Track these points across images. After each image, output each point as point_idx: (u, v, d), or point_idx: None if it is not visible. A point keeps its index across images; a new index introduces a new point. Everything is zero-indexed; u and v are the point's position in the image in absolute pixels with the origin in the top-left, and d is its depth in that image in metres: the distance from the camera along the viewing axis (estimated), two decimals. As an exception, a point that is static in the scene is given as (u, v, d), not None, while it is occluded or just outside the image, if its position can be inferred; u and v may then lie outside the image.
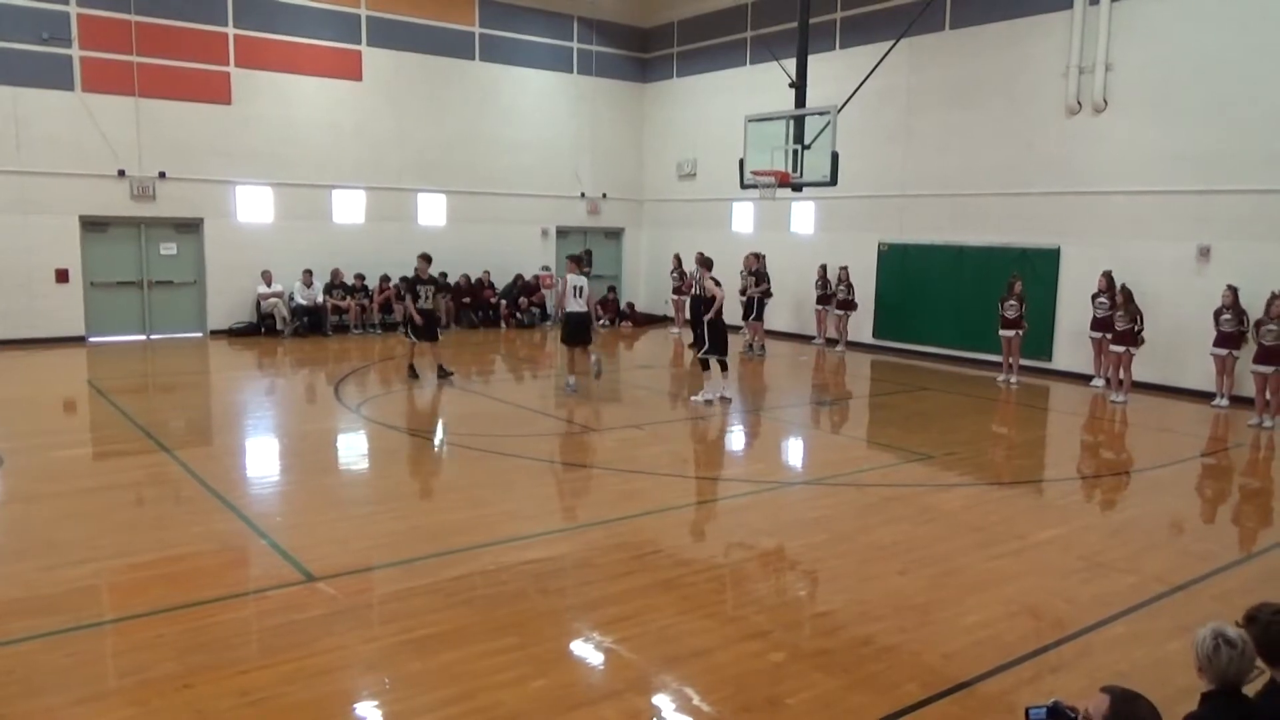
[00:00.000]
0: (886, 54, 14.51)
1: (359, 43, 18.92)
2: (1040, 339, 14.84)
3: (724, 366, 12.28)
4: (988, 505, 7.86)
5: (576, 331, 12.38)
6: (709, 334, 11.96)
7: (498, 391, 13.31)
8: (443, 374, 13.24)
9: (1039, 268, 14.98)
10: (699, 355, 12.28)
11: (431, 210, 20.20)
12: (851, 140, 14.97)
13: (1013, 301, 14.08)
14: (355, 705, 4.46)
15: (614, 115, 22.42)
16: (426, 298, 13.12)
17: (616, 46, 22.33)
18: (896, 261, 17.38)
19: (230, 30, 17.49)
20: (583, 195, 22.25)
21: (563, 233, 22.23)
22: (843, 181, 13.93)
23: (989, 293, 14.91)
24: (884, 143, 17.16)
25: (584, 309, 12.25)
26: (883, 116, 17.01)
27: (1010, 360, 14.21)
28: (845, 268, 17.42)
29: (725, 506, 7.77)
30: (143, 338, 17.35)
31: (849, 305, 17.41)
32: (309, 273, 18.25)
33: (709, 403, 11.85)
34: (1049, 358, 15.04)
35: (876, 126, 17.00)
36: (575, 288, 12.22)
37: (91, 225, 16.72)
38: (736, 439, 10.83)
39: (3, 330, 15.73)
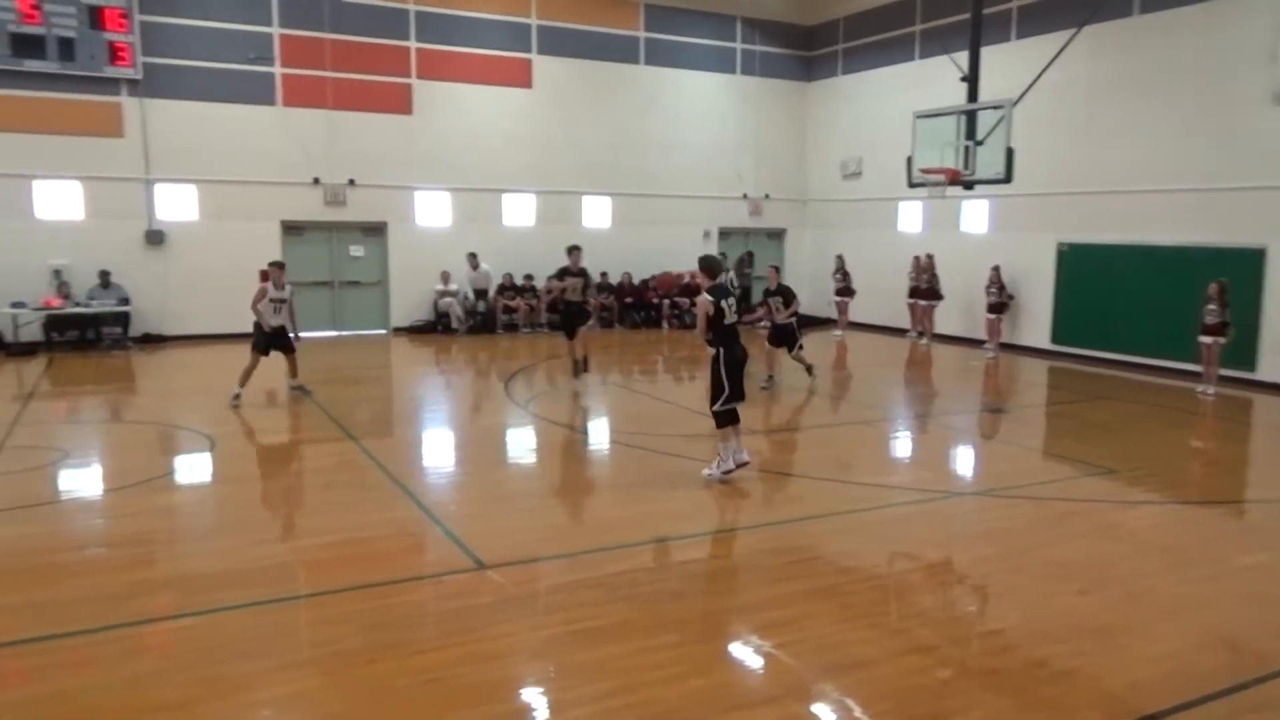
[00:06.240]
0: (1069, 42, 13.72)
1: (529, 51, 19.61)
2: (1242, 347, 13.60)
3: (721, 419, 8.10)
4: (1180, 525, 7.30)
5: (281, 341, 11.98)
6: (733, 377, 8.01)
7: (659, 391, 13.48)
8: (577, 370, 12.80)
9: (1240, 269, 13.72)
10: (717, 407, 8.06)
11: (597, 212, 20.69)
12: (1028, 134, 14.26)
13: (1212, 306, 13.00)
14: (522, 691, 4.63)
15: (777, 115, 22.25)
16: (574, 290, 12.79)
17: (780, 45, 22.14)
18: (1077, 262, 16.38)
19: (412, 44, 18.52)
20: (745, 196, 22.20)
21: (725, 234, 22.26)
22: (1018, 178, 13.31)
23: (1182, 296, 13.82)
24: (1063, 136, 16.20)
25: (284, 321, 11.90)
26: (1062, 109, 16.06)
27: (1209, 369, 13.12)
28: (997, 268, 16.69)
29: (889, 514, 7.57)
30: (333, 334, 18.65)
31: (1000, 308, 16.73)
32: (474, 256, 18.93)
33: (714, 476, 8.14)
34: (1252, 368, 13.78)
35: (1055, 119, 16.08)
36: (274, 301, 11.76)
37: (290, 229, 18.14)
38: (902, 445, 10.53)
39: (217, 325, 17.27)
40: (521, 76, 19.60)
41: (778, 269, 13.41)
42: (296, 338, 12.20)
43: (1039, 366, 16.01)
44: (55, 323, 16.15)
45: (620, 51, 20.49)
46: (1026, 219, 17.25)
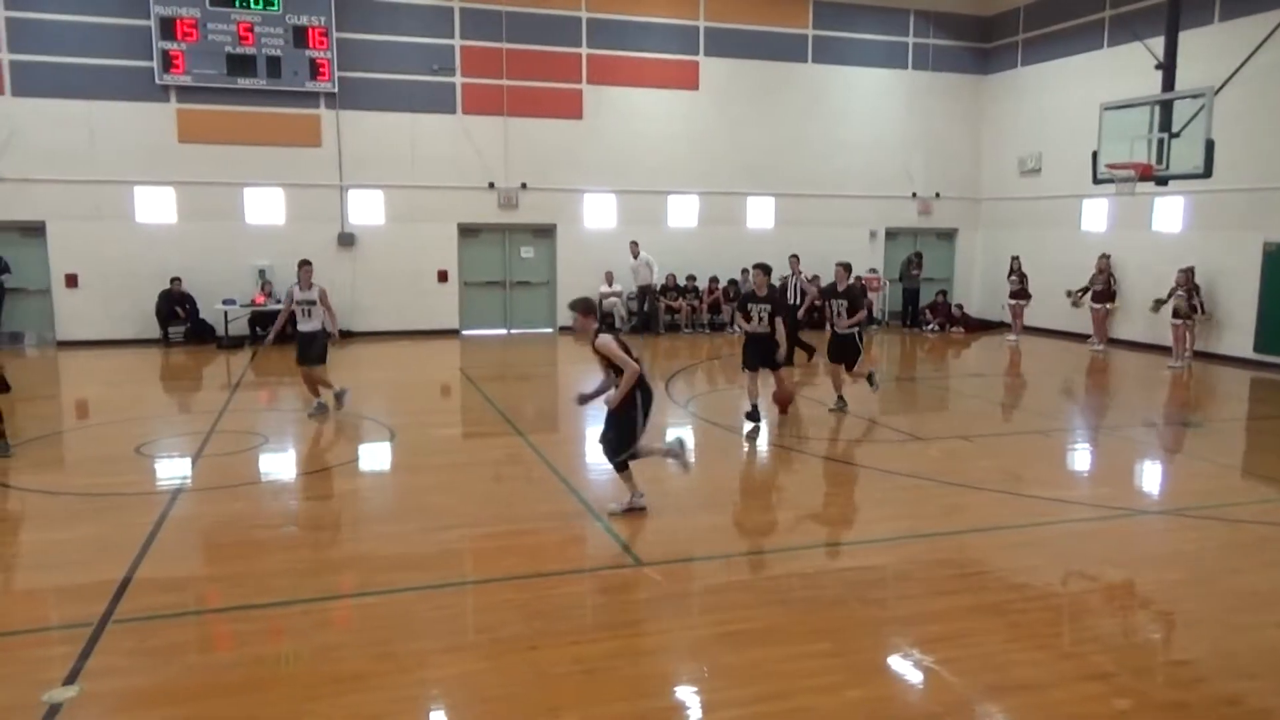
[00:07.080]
0: (1285, 24, 12.56)
1: (696, 53, 19.74)
2: None
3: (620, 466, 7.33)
4: (1406, 558, 6.55)
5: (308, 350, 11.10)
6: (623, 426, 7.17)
7: (820, 394, 13.26)
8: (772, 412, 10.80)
9: None
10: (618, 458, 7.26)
11: (760, 213, 20.59)
12: (1231, 125, 13.18)
13: None
14: (675, 688, 4.70)
15: (950, 111, 21.43)
16: (760, 319, 10.15)
17: (955, 38, 21.31)
18: (1289, 264, 14.95)
19: (584, 50, 19.04)
20: (914, 195, 21.52)
21: (891, 234, 21.66)
22: (1219, 172, 12.34)
23: None
24: (1273, 125, 14.78)
25: (316, 326, 11.00)
26: (1271, 95, 14.65)
27: None
28: (1186, 271, 15.32)
29: (1064, 531, 7.17)
30: (504, 332, 19.47)
31: (1188, 314, 15.33)
32: (635, 244, 18.97)
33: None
34: None
35: (1264, 107, 14.71)
36: (300, 304, 11.06)
37: (466, 232, 19.05)
38: (1080, 459, 9.94)
39: (398, 322, 18.48)
40: (689, 79, 19.76)
41: (848, 268, 11.58)
42: (335, 339, 11.25)
43: (1239, 377, 14.70)
44: (259, 318, 17.63)
45: (787, 50, 20.29)
46: (1228, 216, 15.87)
